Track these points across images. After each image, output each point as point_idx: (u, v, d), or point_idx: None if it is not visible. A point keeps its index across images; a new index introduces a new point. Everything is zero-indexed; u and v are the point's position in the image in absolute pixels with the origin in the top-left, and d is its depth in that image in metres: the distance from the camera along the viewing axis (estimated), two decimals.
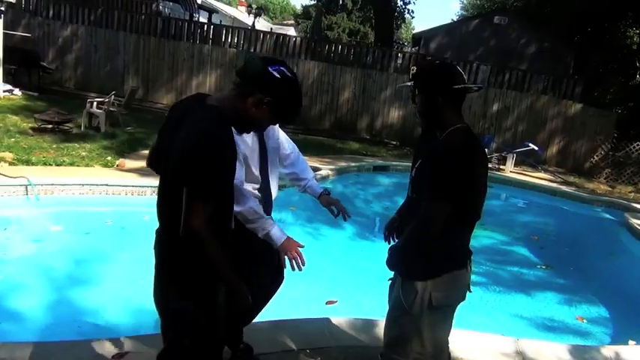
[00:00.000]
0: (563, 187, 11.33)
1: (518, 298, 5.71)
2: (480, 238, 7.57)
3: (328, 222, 6.89)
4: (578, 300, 5.78)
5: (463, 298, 2.45)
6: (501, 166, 12.41)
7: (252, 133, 2.66)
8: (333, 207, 3.11)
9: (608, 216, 9.77)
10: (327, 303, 4.64)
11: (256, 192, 2.84)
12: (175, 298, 2.09)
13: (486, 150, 12.12)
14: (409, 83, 2.49)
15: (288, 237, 2.70)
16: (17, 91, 13.39)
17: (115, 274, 4.87)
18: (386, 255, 2.56)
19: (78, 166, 7.59)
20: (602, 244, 8.40)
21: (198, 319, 2.09)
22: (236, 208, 2.60)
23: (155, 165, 2.24)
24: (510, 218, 9.87)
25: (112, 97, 10.65)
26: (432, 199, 2.22)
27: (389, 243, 3.01)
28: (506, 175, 11.77)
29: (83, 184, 6.73)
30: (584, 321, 5.17)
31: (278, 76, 2.01)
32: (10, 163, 7.13)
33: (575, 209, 10.30)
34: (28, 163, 7.30)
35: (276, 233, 2.68)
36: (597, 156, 13.63)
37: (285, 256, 2.69)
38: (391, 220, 3.07)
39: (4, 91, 12.88)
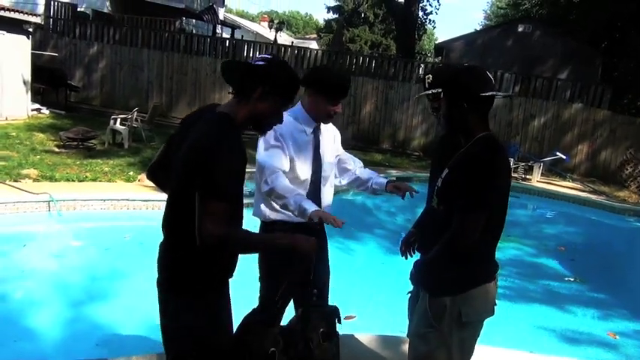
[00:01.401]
0: (593, 197, 11.00)
1: (547, 311, 5.51)
2: (507, 249, 7.38)
3: (347, 235, 6.81)
4: (610, 315, 5.55)
5: (492, 313, 2.35)
6: (528, 176, 12.13)
7: (310, 137, 2.85)
8: (399, 190, 3.04)
9: None
10: (345, 318, 4.53)
11: None
12: (179, 313, 2.03)
13: (512, 159, 11.91)
14: (433, 90, 2.40)
15: (318, 209, 2.63)
16: (45, 110, 13.70)
17: (134, 290, 4.85)
18: (408, 268, 2.47)
19: (100, 181, 7.66)
20: (635, 255, 8.11)
21: (203, 334, 2.02)
22: (266, 188, 2.66)
23: (156, 176, 2.26)
24: (538, 229, 9.61)
25: (135, 113, 10.78)
26: (467, 210, 2.13)
27: (405, 258, 2.91)
28: (533, 185, 11.49)
29: (104, 200, 6.78)
30: (616, 337, 4.94)
31: (265, 63, 2.05)
32: (35, 180, 7.24)
33: (606, 219, 9.98)
34: (51, 179, 7.39)
35: (308, 204, 2.60)
36: (628, 164, 13.23)
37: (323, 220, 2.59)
38: (408, 234, 2.96)
39: (33, 110, 13.18)
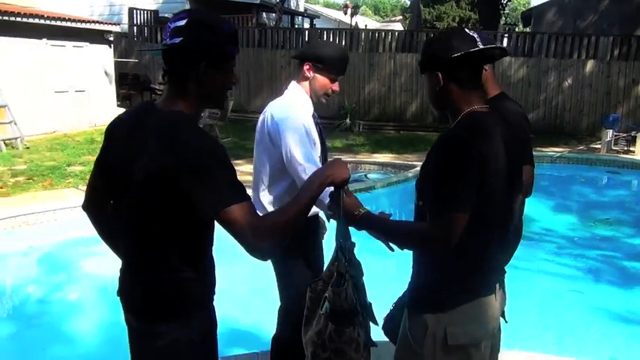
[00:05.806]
0: None
1: None
2: (604, 234, 6.65)
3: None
4: None
5: (492, 334, 1.85)
6: (631, 148, 10.88)
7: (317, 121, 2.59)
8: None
9: None
10: None
11: None
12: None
13: (611, 131, 10.75)
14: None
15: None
16: None
17: None
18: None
19: None
20: None
21: None
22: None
23: (99, 204, 1.84)
24: None
25: (207, 111, 10.94)
26: (441, 213, 1.65)
27: None
28: (636, 159, 10.26)
29: None
30: None
31: (184, 24, 1.62)
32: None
33: None
34: None
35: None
36: None
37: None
38: None
39: None
